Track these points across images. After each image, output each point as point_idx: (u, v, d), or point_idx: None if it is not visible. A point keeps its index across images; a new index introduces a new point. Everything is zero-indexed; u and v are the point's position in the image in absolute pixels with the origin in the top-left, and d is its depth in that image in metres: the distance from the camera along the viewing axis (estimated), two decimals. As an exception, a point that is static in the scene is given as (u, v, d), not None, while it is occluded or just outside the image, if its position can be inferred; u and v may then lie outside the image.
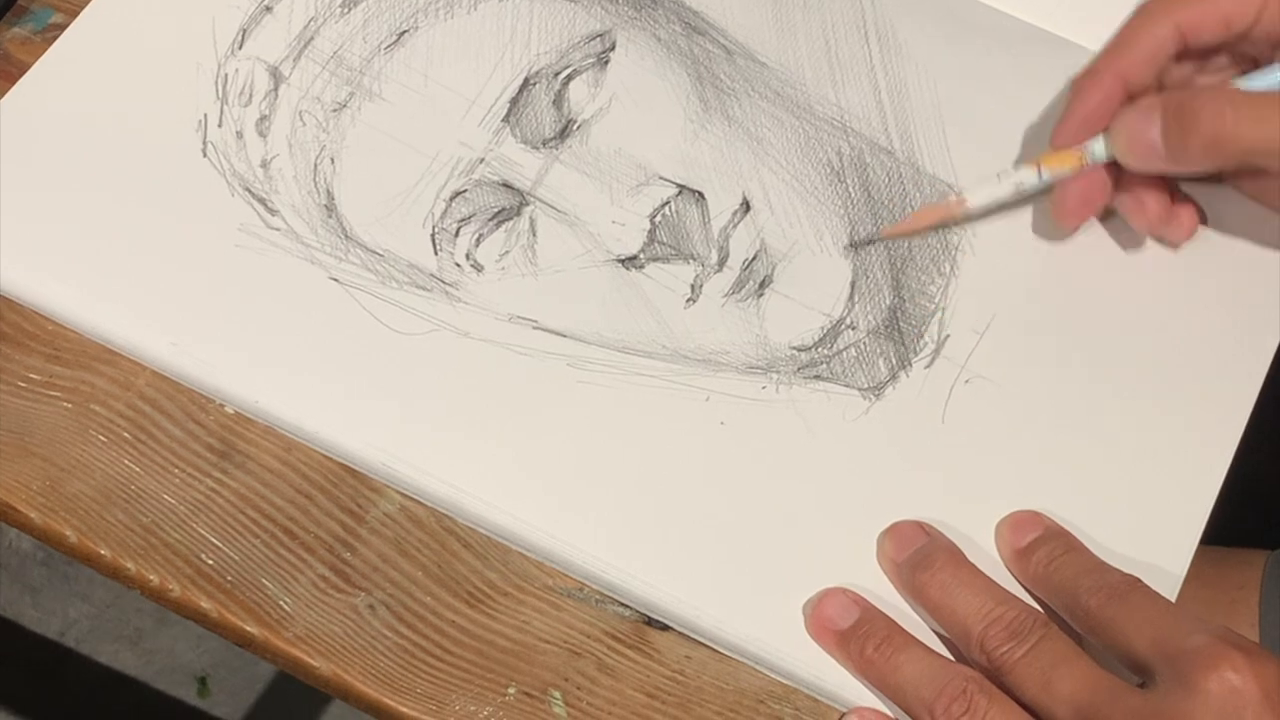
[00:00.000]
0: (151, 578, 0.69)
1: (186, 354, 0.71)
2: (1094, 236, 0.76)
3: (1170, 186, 0.74)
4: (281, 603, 0.69)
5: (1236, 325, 0.74)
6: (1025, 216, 0.76)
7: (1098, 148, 0.72)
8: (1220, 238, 0.76)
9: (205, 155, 0.75)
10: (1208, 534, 0.71)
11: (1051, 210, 0.74)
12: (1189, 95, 0.70)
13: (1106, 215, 0.76)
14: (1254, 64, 0.73)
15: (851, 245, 0.75)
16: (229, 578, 0.69)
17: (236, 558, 0.69)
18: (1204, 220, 0.76)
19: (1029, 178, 0.73)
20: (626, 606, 0.69)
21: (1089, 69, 0.73)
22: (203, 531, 0.70)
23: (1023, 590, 0.69)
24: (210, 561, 0.69)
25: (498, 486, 0.70)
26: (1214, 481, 0.72)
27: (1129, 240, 0.76)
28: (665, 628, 0.69)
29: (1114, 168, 0.73)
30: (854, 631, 0.67)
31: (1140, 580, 0.66)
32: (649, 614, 0.69)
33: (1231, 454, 0.72)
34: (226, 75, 0.76)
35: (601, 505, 0.70)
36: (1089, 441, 0.72)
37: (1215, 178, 0.76)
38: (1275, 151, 0.68)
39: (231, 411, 0.72)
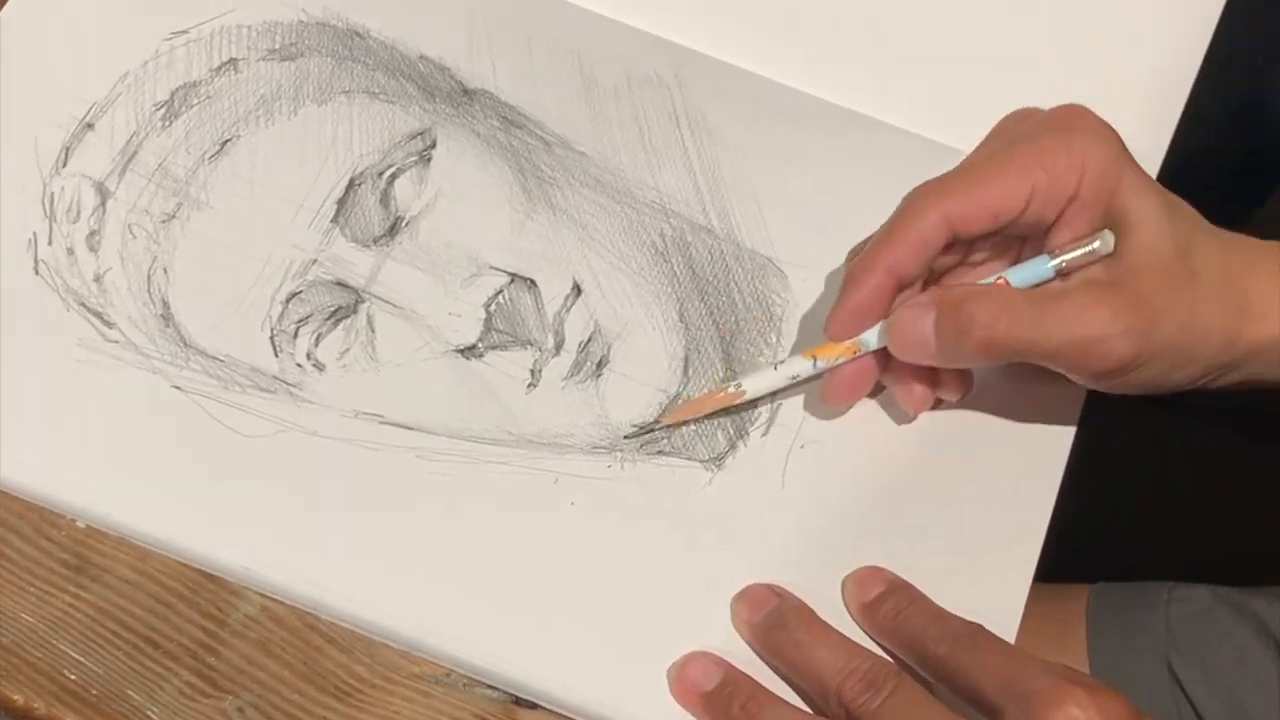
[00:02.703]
0: (16, 697, 0.69)
1: (33, 472, 0.71)
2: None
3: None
4: (149, 713, 0.69)
5: (1051, 374, 0.77)
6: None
7: (870, 337, 0.73)
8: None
9: (38, 273, 0.75)
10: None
11: (821, 392, 0.76)
12: (962, 297, 0.71)
13: (876, 390, 0.77)
14: (1021, 244, 0.75)
15: (630, 436, 0.76)
16: (94, 691, 0.69)
17: (100, 671, 0.69)
18: (970, 386, 0.77)
19: (804, 367, 0.74)
20: (494, 688, 0.71)
21: (860, 261, 0.73)
22: (64, 647, 0.69)
23: (872, 643, 0.72)
24: (74, 677, 0.69)
25: (357, 581, 0.71)
26: (1039, 526, 0.75)
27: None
28: (534, 706, 0.70)
29: (884, 352, 0.74)
30: (718, 693, 0.69)
31: (983, 627, 0.69)
32: (517, 694, 0.70)
33: (1054, 498, 0.76)
34: (53, 193, 0.77)
35: (461, 591, 0.71)
36: (921, 495, 0.75)
37: None
38: (1045, 354, 0.70)
39: (83, 526, 0.72)
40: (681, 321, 0.78)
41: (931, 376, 0.76)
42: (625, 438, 0.75)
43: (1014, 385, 0.78)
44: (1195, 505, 1.07)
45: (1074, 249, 0.71)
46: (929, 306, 0.71)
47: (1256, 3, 0.88)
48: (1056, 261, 0.72)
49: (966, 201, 0.71)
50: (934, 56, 0.84)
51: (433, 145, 0.80)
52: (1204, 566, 0.94)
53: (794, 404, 0.76)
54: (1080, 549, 0.84)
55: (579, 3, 0.84)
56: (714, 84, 0.83)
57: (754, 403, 0.76)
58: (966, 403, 0.77)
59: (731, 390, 0.75)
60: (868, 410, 0.77)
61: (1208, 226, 0.72)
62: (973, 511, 0.75)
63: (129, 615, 0.70)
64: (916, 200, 0.73)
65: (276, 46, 0.81)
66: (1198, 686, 0.88)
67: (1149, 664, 0.88)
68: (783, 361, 0.75)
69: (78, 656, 0.69)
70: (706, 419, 0.76)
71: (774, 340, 0.78)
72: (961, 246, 0.75)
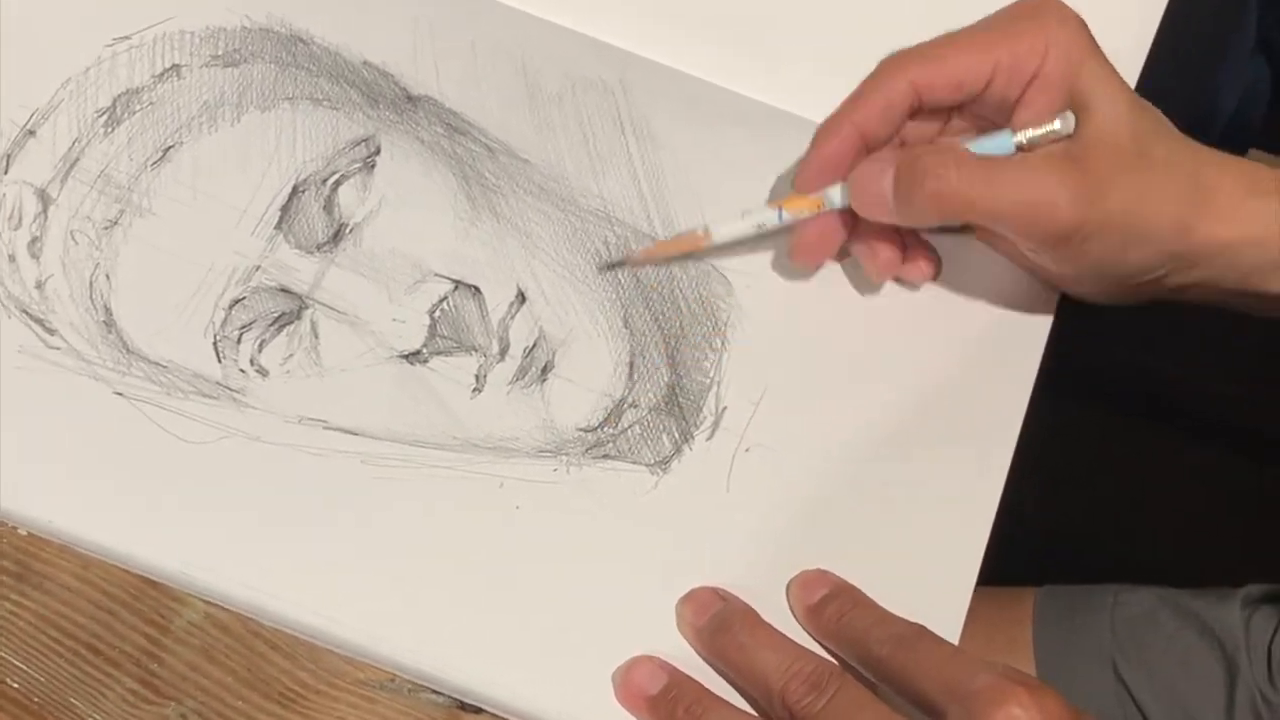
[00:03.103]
0: (-44, 706, 0.68)
1: (-26, 479, 0.71)
2: (853, 306, 0.80)
3: (906, 236, 0.78)
4: (91, 720, 0.69)
5: (994, 375, 0.78)
6: (789, 290, 0.79)
7: (835, 195, 0.76)
8: (975, 291, 0.80)
9: (-22, 280, 0.75)
10: (979, 575, 0.75)
11: (789, 250, 0.78)
12: (919, 153, 0.73)
13: (842, 255, 0.80)
14: (992, 126, 0.76)
15: (601, 269, 0.78)
16: (36, 699, 0.69)
17: (42, 679, 0.69)
18: (939, 270, 0.80)
19: (770, 217, 0.76)
20: (439, 694, 0.70)
21: (829, 118, 0.76)
22: (5, 655, 0.69)
23: (818, 645, 0.72)
24: (15, 685, 0.69)
25: (301, 587, 0.71)
26: (983, 528, 0.76)
27: (885, 307, 0.80)
28: (479, 711, 0.70)
29: (851, 214, 0.76)
30: (663, 696, 0.69)
31: (926, 628, 0.69)
32: (462, 699, 0.70)
33: (996, 501, 0.76)
34: (-7, 200, 0.77)
35: (406, 596, 0.71)
36: (865, 498, 0.76)
37: (964, 229, 0.80)
38: (994, 213, 0.72)
39: (25, 533, 0.71)
40: (626, 328, 0.78)
41: (896, 242, 0.78)
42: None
43: (956, 379, 0.78)
44: (1140, 508, 1.08)
45: (1035, 127, 0.74)
46: (889, 162, 0.73)
47: (1199, 6, 0.89)
48: (1018, 137, 0.74)
49: (932, 70, 0.75)
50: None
51: (377, 152, 0.80)
52: (1149, 569, 0.95)
53: (738, 408, 0.76)
54: (1026, 552, 0.84)
55: (523, 8, 0.84)
56: (658, 89, 0.83)
57: (719, 250, 0.79)
58: (908, 406, 0.77)
59: (700, 233, 0.77)
60: (808, 413, 0.77)
61: (1172, 128, 0.75)
62: (916, 514, 0.75)
63: (71, 622, 0.70)
64: (886, 65, 0.76)
65: (219, 53, 0.81)
66: (1143, 688, 0.89)
67: (1095, 666, 0.88)
68: (749, 210, 0.77)
69: (19, 664, 0.69)
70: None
71: (719, 344, 0.78)
72: (936, 121, 0.78)
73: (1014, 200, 0.71)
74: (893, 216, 0.74)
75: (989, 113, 0.76)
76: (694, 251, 0.78)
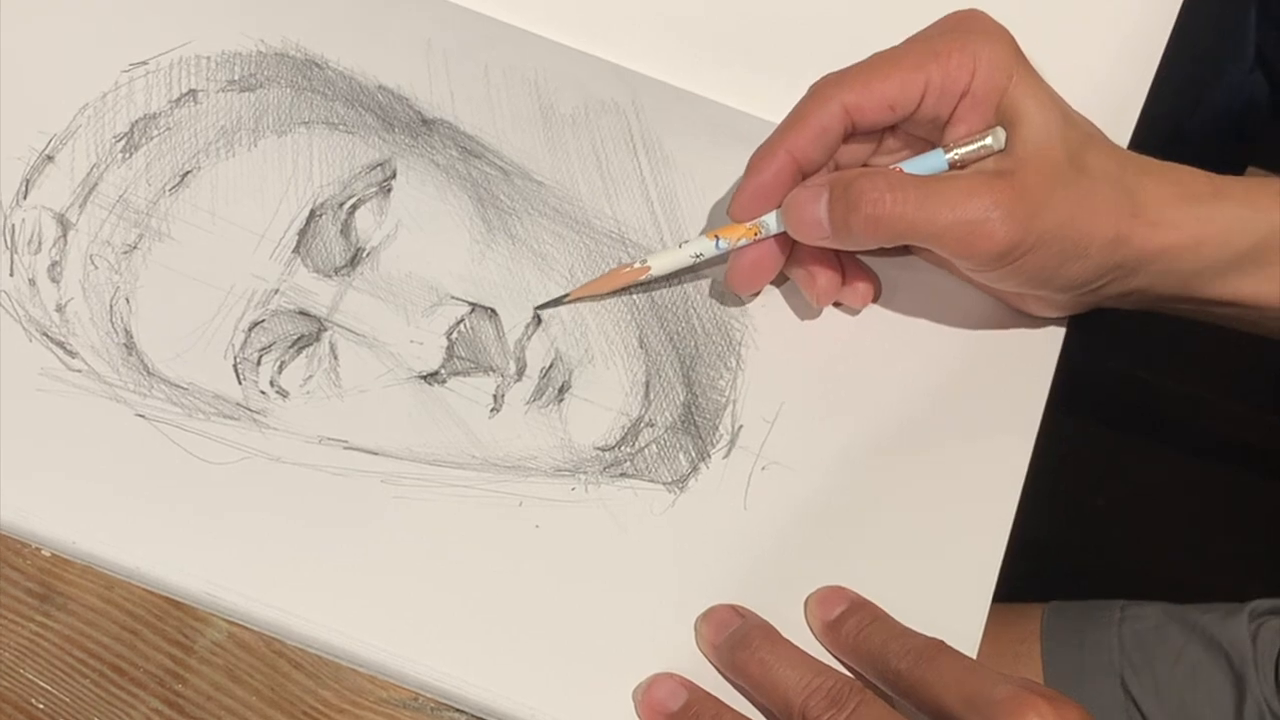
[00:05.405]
0: (-18, 728, 0.69)
1: (-2, 501, 0.72)
2: (867, 323, 0.81)
3: (844, 259, 0.79)
4: (117, 740, 0.69)
5: (1008, 390, 0.79)
6: (803, 308, 0.80)
7: (770, 221, 0.76)
8: (987, 305, 0.81)
9: (-1, 304, 0.75)
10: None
11: (725, 277, 0.79)
12: (853, 176, 0.73)
13: (781, 280, 0.80)
14: (925, 145, 0.77)
15: (538, 310, 0.78)
16: (61, 720, 0.69)
17: (67, 700, 0.69)
18: (879, 293, 0.80)
19: (706, 247, 0.77)
20: (462, 712, 0.71)
21: (763, 146, 0.76)
22: (31, 676, 0.69)
23: (836, 661, 0.72)
24: (41, 706, 0.69)
25: (323, 606, 0.71)
26: (999, 542, 0.76)
27: (899, 323, 0.81)
28: (501, 728, 0.71)
29: (788, 239, 0.77)
30: (684, 713, 0.70)
31: (944, 642, 0.70)
32: (484, 717, 0.71)
33: (1012, 515, 0.77)
34: (14, 225, 0.77)
35: (427, 615, 0.71)
36: (881, 515, 0.76)
37: (903, 250, 0.81)
38: (929, 234, 0.72)
39: (48, 554, 0.72)
40: (641, 348, 0.78)
41: (834, 266, 0.78)
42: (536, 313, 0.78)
43: (970, 397, 0.79)
44: (1143, 523, 1.09)
45: (966, 143, 0.75)
46: (823, 186, 0.74)
47: (1197, 24, 0.90)
48: (950, 155, 0.75)
49: (864, 92, 0.74)
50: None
51: (393, 176, 0.81)
52: (1153, 584, 0.96)
53: (754, 426, 0.77)
54: (1030, 568, 0.85)
55: (536, 30, 0.85)
56: (671, 110, 0.84)
57: (663, 279, 0.80)
58: (924, 421, 0.78)
59: (637, 266, 0.78)
60: (823, 431, 0.78)
61: (1104, 138, 0.76)
62: (932, 529, 0.76)
63: (96, 643, 0.70)
64: (818, 90, 0.75)
65: (235, 77, 0.82)
66: (1151, 703, 0.89)
67: (1103, 681, 0.89)
68: (687, 241, 0.78)
69: (45, 685, 0.69)
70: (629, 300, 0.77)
71: (734, 364, 0.78)
72: (869, 142, 0.78)
73: (949, 221, 0.71)
74: (830, 241, 0.74)
75: (922, 131, 0.77)
76: (632, 284, 0.79)
